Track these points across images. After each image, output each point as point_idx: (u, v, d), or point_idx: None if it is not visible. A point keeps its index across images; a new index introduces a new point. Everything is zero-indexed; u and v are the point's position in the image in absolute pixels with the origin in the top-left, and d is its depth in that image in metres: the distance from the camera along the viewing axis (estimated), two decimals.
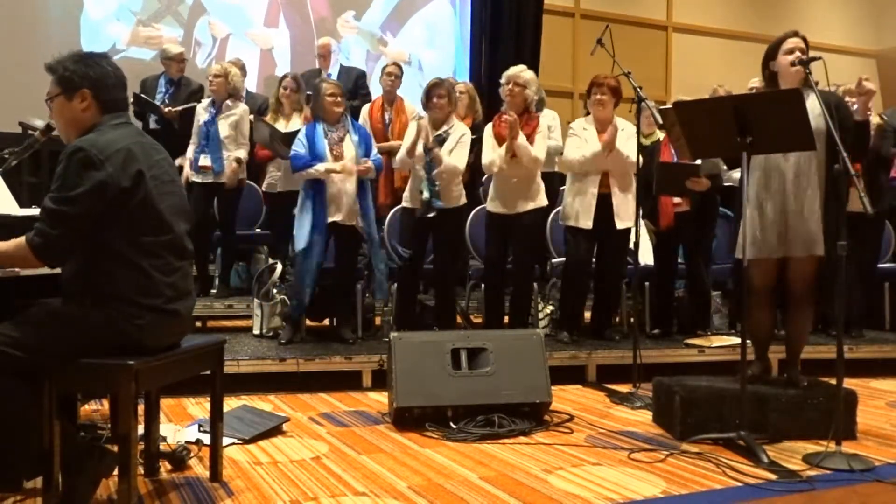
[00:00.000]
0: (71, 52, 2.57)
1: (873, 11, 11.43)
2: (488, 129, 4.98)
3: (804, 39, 3.58)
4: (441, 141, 4.84)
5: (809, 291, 3.62)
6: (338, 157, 4.75)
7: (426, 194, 4.78)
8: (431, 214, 4.78)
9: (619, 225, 4.87)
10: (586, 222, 4.87)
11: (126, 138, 2.48)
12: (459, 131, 4.92)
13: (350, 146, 4.80)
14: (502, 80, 4.96)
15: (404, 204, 5.02)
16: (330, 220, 4.73)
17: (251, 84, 7.16)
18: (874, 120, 5.29)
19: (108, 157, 2.38)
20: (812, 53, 3.54)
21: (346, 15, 8.57)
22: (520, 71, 4.94)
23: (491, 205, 4.98)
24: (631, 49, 7.90)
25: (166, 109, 6.18)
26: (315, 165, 4.70)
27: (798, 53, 3.51)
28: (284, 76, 5.87)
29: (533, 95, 4.94)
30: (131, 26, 7.75)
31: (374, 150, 4.94)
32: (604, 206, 4.86)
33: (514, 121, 4.70)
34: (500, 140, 4.85)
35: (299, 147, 4.81)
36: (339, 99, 4.82)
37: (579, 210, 4.90)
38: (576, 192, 4.95)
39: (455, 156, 4.84)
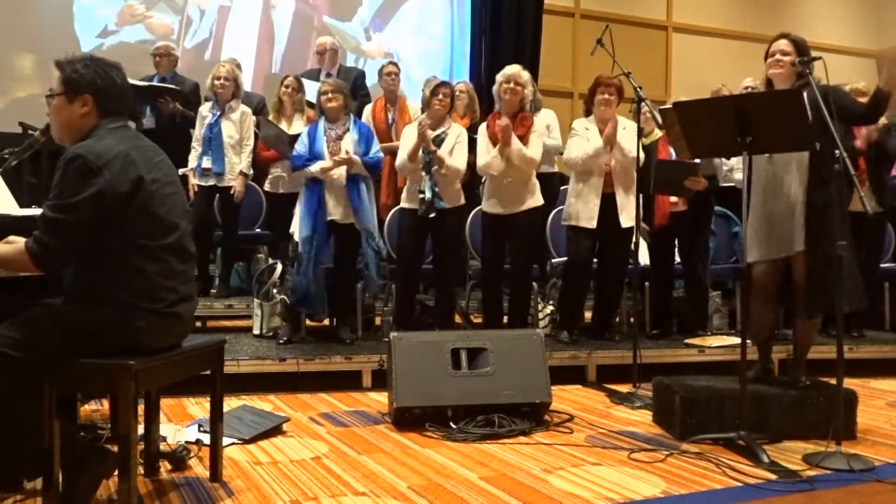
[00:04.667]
0: (83, 54, 2.55)
1: (873, 11, 11.42)
2: (482, 130, 4.98)
3: (795, 41, 3.58)
4: (439, 142, 4.84)
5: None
6: (334, 155, 4.77)
7: (428, 194, 4.78)
8: (433, 214, 4.79)
9: (625, 223, 4.87)
10: (590, 222, 4.87)
11: (123, 143, 2.47)
12: (456, 132, 4.93)
13: (349, 144, 4.81)
14: (500, 79, 4.94)
15: (402, 205, 5.03)
16: (328, 218, 4.77)
17: (246, 77, 7.13)
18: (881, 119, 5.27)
19: (105, 163, 2.37)
20: (812, 53, 3.55)
21: (336, 12, 8.60)
22: (519, 70, 4.95)
23: (487, 205, 4.98)
24: (631, 49, 7.89)
25: (171, 106, 6.07)
26: (312, 165, 4.76)
27: (778, 56, 3.56)
28: (286, 76, 5.87)
29: (530, 96, 4.99)
30: (125, 10, 7.72)
31: (375, 149, 4.91)
32: (607, 207, 4.86)
33: (506, 125, 4.71)
34: (494, 141, 4.86)
35: (300, 146, 4.88)
36: (330, 95, 4.84)
37: (582, 210, 4.90)
38: (579, 192, 4.95)
39: (456, 157, 4.85)
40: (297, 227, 4.84)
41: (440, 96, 4.88)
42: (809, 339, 3.79)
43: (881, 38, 11.39)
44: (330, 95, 4.85)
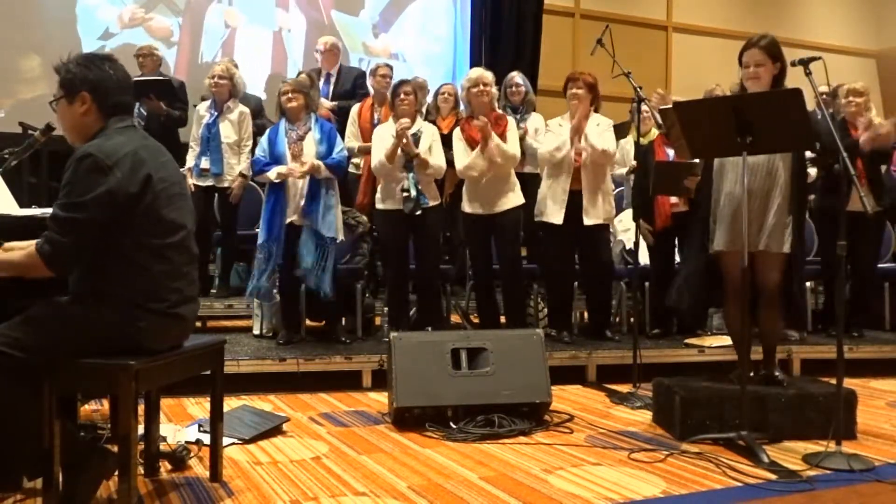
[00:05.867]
0: (76, 54, 2.55)
1: (873, 11, 11.43)
2: (457, 135, 4.98)
3: (766, 48, 3.56)
4: (415, 141, 4.83)
5: (777, 288, 3.60)
6: (296, 156, 4.70)
7: (413, 192, 4.77)
8: (419, 212, 4.77)
9: (587, 221, 4.84)
10: (557, 218, 4.87)
11: (132, 142, 2.47)
12: (430, 131, 4.93)
13: (311, 144, 4.72)
14: (466, 84, 4.97)
15: (379, 206, 4.97)
16: (287, 221, 4.69)
17: (261, 78, 7.10)
18: (876, 119, 5.28)
19: (116, 162, 2.37)
20: (812, 53, 3.55)
21: (341, 11, 8.62)
22: (482, 72, 5.00)
23: (468, 207, 4.98)
24: (631, 49, 7.89)
25: (159, 106, 6.08)
26: (269, 170, 4.69)
27: (752, 68, 3.57)
28: (299, 73, 5.86)
29: (497, 95, 5.08)
30: (125, 13, 7.73)
31: (338, 148, 4.81)
32: (574, 203, 4.85)
33: (484, 124, 4.73)
34: (471, 144, 4.87)
35: (260, 150, 4.83)
36: (290, 95, 4.75)
37: (550, 206, 4.90)
38: (547, 187, 4.95)
39: (436, 155, 4.87)
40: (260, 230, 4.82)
41: (401, 96, 4.87)
42: (774, 331, 3.77)
43: (881, 38, 11.41)
44: (290, 95, 4.75)
